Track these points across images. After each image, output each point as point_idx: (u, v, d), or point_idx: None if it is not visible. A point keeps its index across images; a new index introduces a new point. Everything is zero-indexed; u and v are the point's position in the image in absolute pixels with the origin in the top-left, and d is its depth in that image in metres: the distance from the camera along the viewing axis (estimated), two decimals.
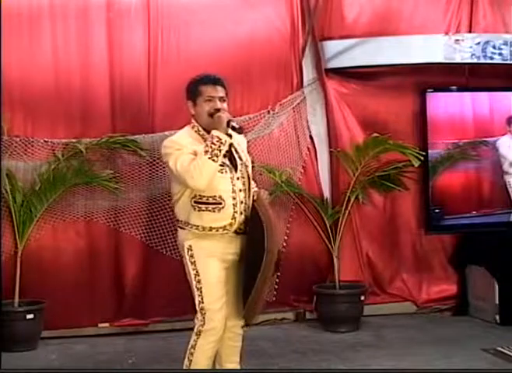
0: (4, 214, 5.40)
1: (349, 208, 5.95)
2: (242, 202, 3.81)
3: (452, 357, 4.95)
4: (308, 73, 6.21)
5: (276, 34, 6.08)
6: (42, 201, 5.52)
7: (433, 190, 6.15)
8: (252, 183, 4.00)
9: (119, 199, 5.71)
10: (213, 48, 5.87)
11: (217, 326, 3.78)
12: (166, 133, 5.71)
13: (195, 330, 3.81)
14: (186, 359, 3.83)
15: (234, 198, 3.78)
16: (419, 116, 6.16)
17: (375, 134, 5.83)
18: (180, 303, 5.82)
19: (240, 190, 3.82)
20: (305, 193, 5.97)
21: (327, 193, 6.16)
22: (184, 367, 3.86)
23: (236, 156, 3.87)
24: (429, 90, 6.10)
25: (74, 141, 5.62)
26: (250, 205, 3.86)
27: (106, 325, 5.79)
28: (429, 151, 6.06)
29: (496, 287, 5.86)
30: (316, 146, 6.21)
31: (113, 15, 5.76)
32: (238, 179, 3.83)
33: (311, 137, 6.18)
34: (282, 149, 6.04)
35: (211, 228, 3.76)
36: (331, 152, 6.18)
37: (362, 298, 5.90)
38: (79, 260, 5.73)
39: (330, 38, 6.16)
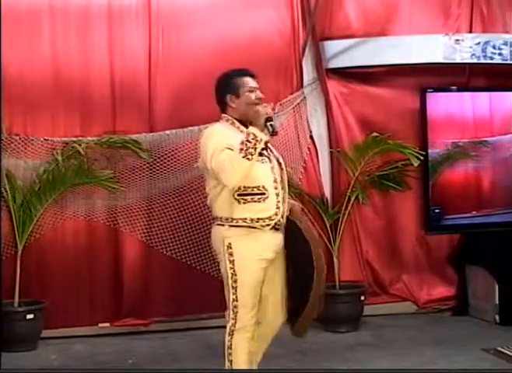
0: (4, 214, 5.40)
1: (349, 208, 5.95)
2: (280, 193, 3.78)
3: (452, 357, 4.95)
4: (308, 73, 6.21)
5: (276, 34, 6.08)
6: (42, 201, 5.52)
7: (433, 190, 6.15)
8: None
9: (119, 198, 5.71)
10: (213, 48, 5.87)
11: (248, 324, 3.75)
12: (167, 132, 5.75)
13: (228, 330, 3.76)
14: (226, 360, 3.78)
15: (276, 188, 3.76)
16: (419, 116, 6.15)
17: (375, 134, 5.84)
18: (180, 303, 5.85)
19: (279, 181, 3.80)
20: (305, 193, 5.97)
21: (327, 193, 6.16)
22: (226, 368, 3.82)
23: (268, 150, 3.85)
24: (429, 90, 6.10)
25: (74, 139, 5.62)
26: (287, 198, 3.84)
27: (107, 325, 5.79)
28: (429, 151, 6.07)
29: (496, 287, 5.86)
30: (316, 146, 6.21)
31: (114, 15, 5.76)
32: (275, 170, 3.81)
33: (311, 137, 6.19)
34: (282, 149, 6.02)
35: (258, 219, 3.70)
36: (331, 152, 6.19)
37: (362, 298, 5.89)
38: (79, 260, 5.73)
39: (330, 38, 6.16)
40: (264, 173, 3.74)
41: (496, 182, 6.30)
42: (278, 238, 3.80)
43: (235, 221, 3.71)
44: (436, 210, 6.14)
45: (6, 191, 5.42)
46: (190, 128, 5.72)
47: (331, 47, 6.14)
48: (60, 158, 5.49)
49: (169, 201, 5.81)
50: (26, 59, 5.62)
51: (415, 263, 6.37)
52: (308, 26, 6.10)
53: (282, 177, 3.84)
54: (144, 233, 5.80)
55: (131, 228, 5.78)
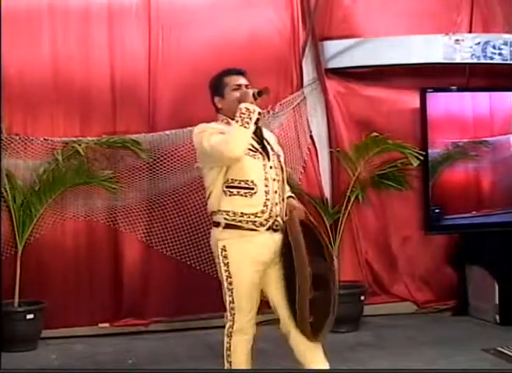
0: (4, 214, 5.40)
1: (349, 208, 5.94)
2: (276, 192, 3.69)
3: (452, 357, 4.94)
4: (308, 73, 6.21)
5: (276, 34, 6.09)
6: (42, 201, 5.52)
7: (433, 190, 6.15)
8: (287, 186, 3.85)
9: (119, 198, 5.71)
10: (213, 48, 5.87)
11: (246, 326, 3.73)
12: (167, 132, 5.75)
13: (226, 332, 3.74)
14: (225, 361, 3.76)
15: (267, 186, 3.66)
16: (419, 116, 6.15)
17: (374, 134, 5.83)
18: (180, 303, 5.85)
19: (274, 180, 3.70)
20: (304, 193, 5.96)
21: (327, 193, 6.16)
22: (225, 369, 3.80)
23: (268, 147, 3.77)
24: (429, 90, 6.10)
25: (74, 139, 5.62)
26: (285, 198, 3.75)
27: (107, 325, 5.79)
28: (429, 151, 6.06)
29: (496, 287, 5.86)
30: (316, 146, 6.21)
31: (114, 14, 5.77)
32: (271, 168, 3.71)
33: (311, 137, 6.19)
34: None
35: (242, 214, 3.62)
36: (331, 152, 6.19)
37: (362, 298, 5.89)
38: (79, 260, 5.74)
39: (330, 38, 6.17)
40: (255, 169, 3.66)
41: (496, 182, 6.30)
42: (276, 239, 3.71)
43: (220, 213, 3.65)
44: (436, 210, 6.14)
45: (6, 191, 5.42)
46: (190, 128, 5.69)
47: (331, 47, 6.14)
48: (60, 158, 5.50)
49: (169, 201, 5.81)
50: (26, 59, 5.62)
51: (415, 263, 6.37)
52: (308, 26, 6.10)
53: (282, 177, 3.76)
54: (144, 233, 5.80)
55: (131, 228, 5.78)
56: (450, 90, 6.31)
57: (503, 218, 6.25)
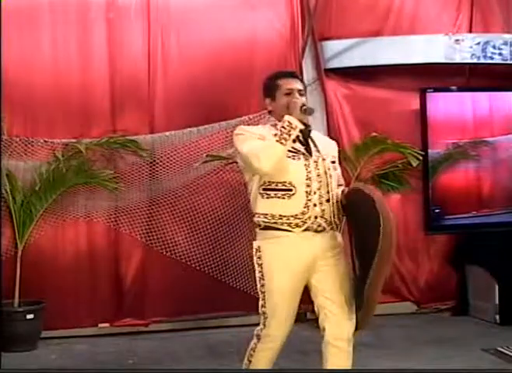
0: (4, 214, 5.40)
1: None
2: (315, 193, 3.52)
3: (452, 357, 4.94)
4: (308, 73, 6.21)
5: (276, 34, 6.09)
6: (42, 201, 5.52)
7: (433, 190, 6.15)
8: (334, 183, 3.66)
9: (119, 199, 5.72)
10: (213, 49, 5.88)
11: (274, 334, 3.60)
12: (167, 133, 5.75)
13: (255, 333, 3.63)
14: (246, 359, 3.67)
15: (308, 186, 3.51)
16: (419, 116, 6.15)
17: (374, 134, 5.83)
18: (180, 303, 5.85)
19: (314, 180, 3.54)
20: None
21: None
22: (244, 367, 3.70)
23: (313, 148, 3.62)
24: (429, 90, 6.10)
25: (74, 141, 5.62)
26: (332, 200, 3.60)
27: (107, 325, 5.80)
28: (429, 151, 6.07)
29: (496, 287, 5.86)
30: None
31: (114, 15, 5.77)
32: (314, 168, 3.56)
33: None
34: None
35: (281, 216, 3.47)
36: None
37: None
38: (79, 260, 5.74)
39: (330, 38, 6.17)
40: (295, 170, 3.51)
41: (496, 182, 6.30)
42: (316, 240, 3.58)
43: (257, 215, 3.55)
44: (436, 210, 6.14)
45: (6, 191, 5.42)
46: (189, 129, 5.72)
47: (331, 47, 6.15)
48: (60, 157, 5.50)
49: (169, 202, 5.81)
50: (26, 60, 5.62)
51: (415, 263, 6.37)
52: (308, 26, 6.10)
53: (326, 180, 3.58)
54: (144, 233, 5.80)
55: (131, 229, 5.78)
56: (450, 90, 6.32)
57: (503, 218, 6.25)
